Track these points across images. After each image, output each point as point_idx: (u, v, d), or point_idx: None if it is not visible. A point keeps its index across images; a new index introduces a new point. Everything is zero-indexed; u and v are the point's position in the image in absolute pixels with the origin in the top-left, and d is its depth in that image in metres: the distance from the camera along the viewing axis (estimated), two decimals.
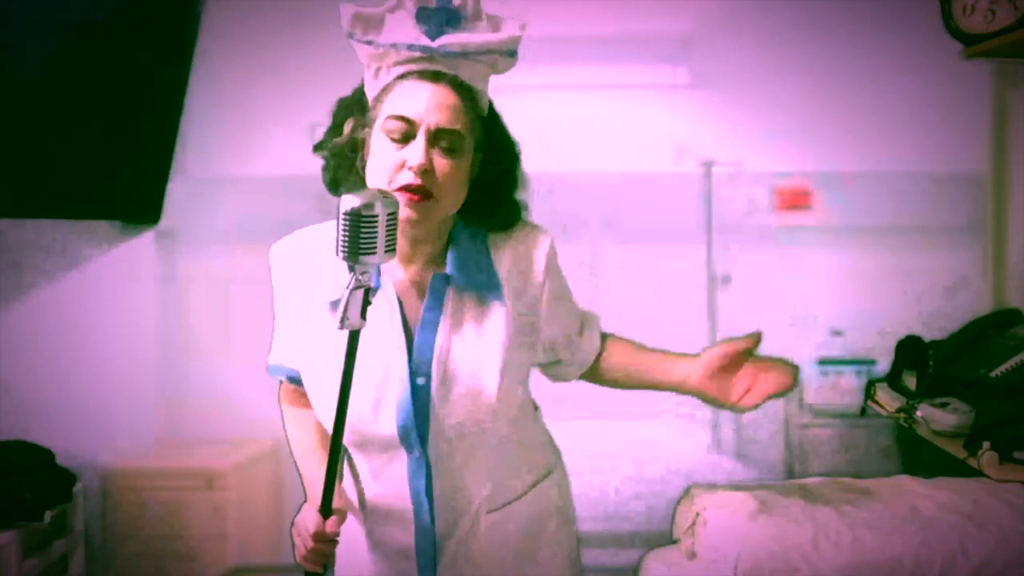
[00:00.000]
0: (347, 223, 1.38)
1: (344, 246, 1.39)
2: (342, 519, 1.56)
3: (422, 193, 1.50)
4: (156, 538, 3.67)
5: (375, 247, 1.39)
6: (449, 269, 1.59)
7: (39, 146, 3.13)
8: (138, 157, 3.69)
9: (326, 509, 1.53)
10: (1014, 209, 3.35)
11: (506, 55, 1.57)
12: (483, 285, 1.59)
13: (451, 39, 1.53)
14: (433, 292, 1.58)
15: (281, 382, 1.74)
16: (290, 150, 4.14)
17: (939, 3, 2.38)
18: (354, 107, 1.61)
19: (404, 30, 1.54)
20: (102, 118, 3.33)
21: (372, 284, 1.42)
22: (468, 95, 1.55)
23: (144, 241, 4.06)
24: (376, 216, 1.38)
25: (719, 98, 4.23)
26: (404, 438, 1.57)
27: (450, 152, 1.52)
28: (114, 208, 3.72)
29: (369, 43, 1.55)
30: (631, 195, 4.27)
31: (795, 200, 4.28)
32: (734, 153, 4.22)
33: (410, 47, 1.54)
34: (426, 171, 1.50)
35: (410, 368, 1.56)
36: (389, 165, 1.52)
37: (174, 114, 3.83)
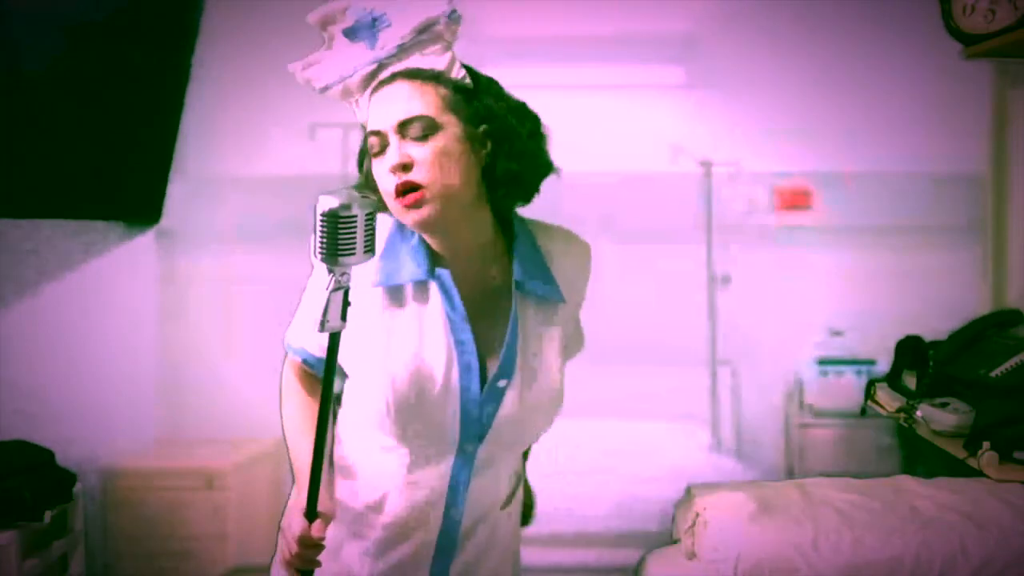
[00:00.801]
0: (324, 224, 1.36)
1: (322, 248, 1.37)
2: (327, 522, 1.54)
3: (410, 190, 1.50)
4: (156, 538, 3.67)
5: (354, 248, 1.37)
6: (517, 274, 1.59)
7: (39, 146, 3.13)
8: (138, 157, 3.69)
9: (311, 512, 1.51)
10: (1014, 209, 3.35)
11: (449, 20, 1.56)
12: (546, 290, 1.62)
13: (385, 38, 1.55)
14: (513, 297, 1.60)
15: (288, 354, 1.72)
16: (290, 150, 4.15)
17: (939, 3, 2.37)
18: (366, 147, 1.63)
19: (346, 58, 1.57)
20: (102, 118, 3.33)
21: (350, 284, 1.41)
22: (427, 76, 1.54)
23: (144, 241, 4.06)
24: (354, 216, 1.36)
25: (719, 98, 4.23)
26: (466, 434, 1.57)
27: (424, 137, 1.50)
28: (114, 208, 3.72)
29: (326, 88, 1.59)
30: (631, 195, 4.28)
31: (795, 200, 4.28)
32: (734, 153, 4.23)
33: (355, 72, 1.56)
34: (404, 166, 1.50)
35: (480, 368, 1.56)
36: (382, 178, 1.53)
37: (174, 114, 3.83)
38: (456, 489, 1.60)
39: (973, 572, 2.12)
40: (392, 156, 1.51)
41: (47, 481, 2.98)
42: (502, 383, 1.56)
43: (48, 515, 2.91)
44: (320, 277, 1.61)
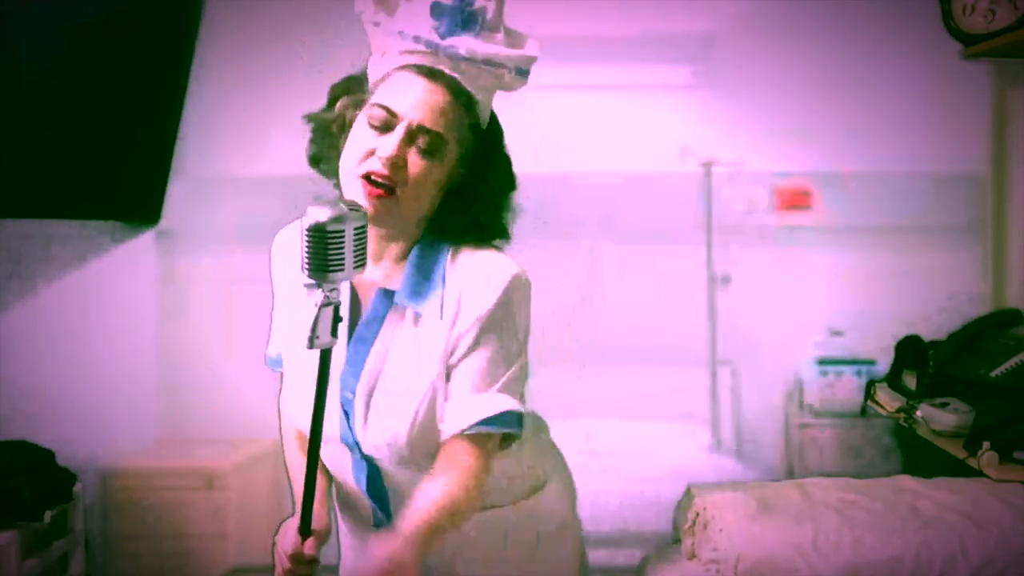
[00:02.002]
0: (312, 239, 1.30)
1: (309, 263, 1.31)
2: (322, 540, 1.52)
3: (384, 188, 1.45)
4: (156, 538, 3.67)
5: (343, 263, 1.31)
6: (398, 282, 1.52)
7: (39, 146, 3.13)
8: (138, 157, 3.69)
9: (305, 529, 1.49)
10: (1014, 209, 3.35)
11: (516, 73, 1.53)
12: (424, 305, 1.50)
13: (460, 41, 1.49)
14: (374, 307, 1.52)
15: (282, 377, 1.72)
16: (290, 150, 4.14)
17: (939, 3, 2.38)
18: (353, 86, 1.56)
19: (415, 20, 1.50)
20: (102, 118, 3.33)
21: (340, 300, 1.36)
22: (464, 100, 1.50)
23: (144, 241, 4.06)
24: (342, 231, 1.30)
25: (719, 98, 4.23)
26: (343, 440, 1.55)
27: (426, 153, 1.46)
28: (114, 208, 3.72)
29: (376, 24, 1.51)
30: (631, 195, 4.27)
31: (795, 200, 4.28)
32: (734, 153, 4.22)
33: (416, 39, 1.49)
34: (395, 164, 1.44)
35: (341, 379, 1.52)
36: (361, 150, 1.47)
37: (174, 114, 3.83)
38: (364, 490, 1.58)
39: (973, 572, 2.12)
40: (389, 146, 1.45)
41: (47, 481, 2.98)
42: (348, 394, 1.52)
43: (48, 515, 2.90)
44: (280, 286, 1.62)
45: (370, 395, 1.51)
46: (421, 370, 1.50)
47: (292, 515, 1.55)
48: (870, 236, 4.12)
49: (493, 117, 1.58)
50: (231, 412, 3.84)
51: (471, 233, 1.55)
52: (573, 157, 3.99)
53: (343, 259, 1.31)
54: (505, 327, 1.50)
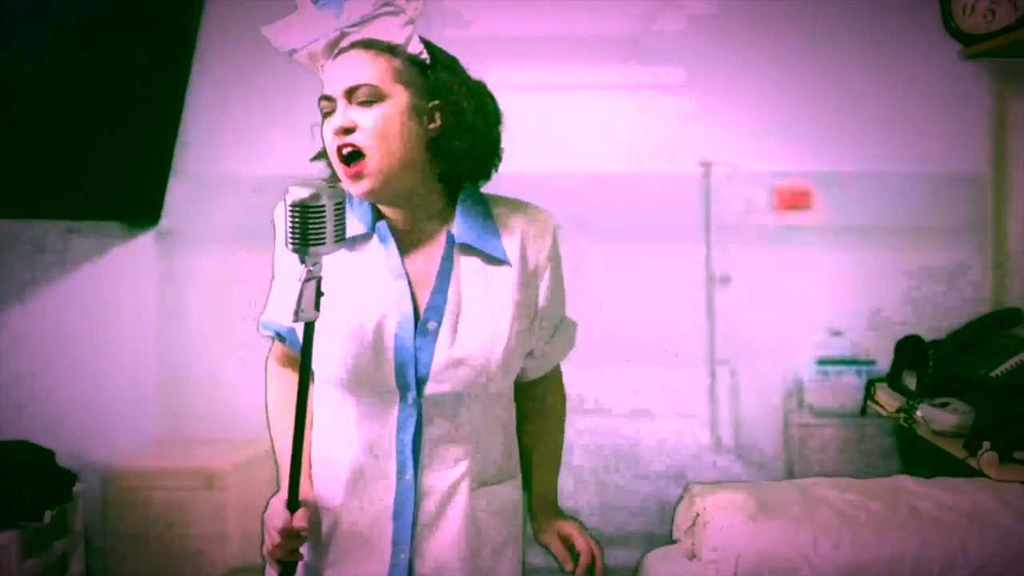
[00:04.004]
0: (294, 215, 1.41)
1: (292, 238, 1.42)
2: (310, 512, 1.57)
3: (354, 155, 1.54)
4: (156, 538, 3.67)
5: (324, 237, 1.41)
6: (455, 227, 1.62)
7: (39, 146, 3.13)
8: (138, 157, 3.69)
9: (293, 502, 1.54)
10: (1014, 209, 3.36)
11: None
12: (489, 247, 1.62)
13: (351, 8, 1.59)
14: (446, 248, 1.62)
15: (273, 341, 1.75)
16: (290, 150, 4.13)
17: (939, 3, 2.38)
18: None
19: (312, 24, 1.61)
20: (102, 118, 3.33)
21: (321, 273, 1.44)
22: (385, 48, 1.58)
23: (144, 241, 4.06)
24: (323, 206, 1.41)
25: (718, 98, 4.22)
26: (401, 378, 1.57)
27: (368, 103, 1.55)
28: (114, 208, 3.72)
29: (293, 52, 1.62)
30: (629, 195, 4.27)
31: (794, 200, 4.28)
32: (733, 153, 4.22)
33: (320, 38, 1.60)
34: (346, 129, 1.55)
35: (415, 311, 1.58)
36: (328, 141, 1.58)
37: (174, 114, 3.83)
38: (403, 444, 1.59)
39: (973, 572, 2.12)
40: (337, 119, 1.55)
41: (47, 481, 2.98)
42: (432, 325, 1.58)
43: (48, 515, 2.91)
44: (284, 259, 1.66)
45: (458, 322, 1.59)
46: (498, 303, 1.61)
47: (277, 492, 1.58)
48: (870, 236, 4.12)
49: (433, 48, 1.64)
50: (231, 412, 3.83)
51: (466, 161, 1.62)
52: (575, 157, 3.99)
53: (324, 233, 1.41)
54: (561, 267, 1.71)
